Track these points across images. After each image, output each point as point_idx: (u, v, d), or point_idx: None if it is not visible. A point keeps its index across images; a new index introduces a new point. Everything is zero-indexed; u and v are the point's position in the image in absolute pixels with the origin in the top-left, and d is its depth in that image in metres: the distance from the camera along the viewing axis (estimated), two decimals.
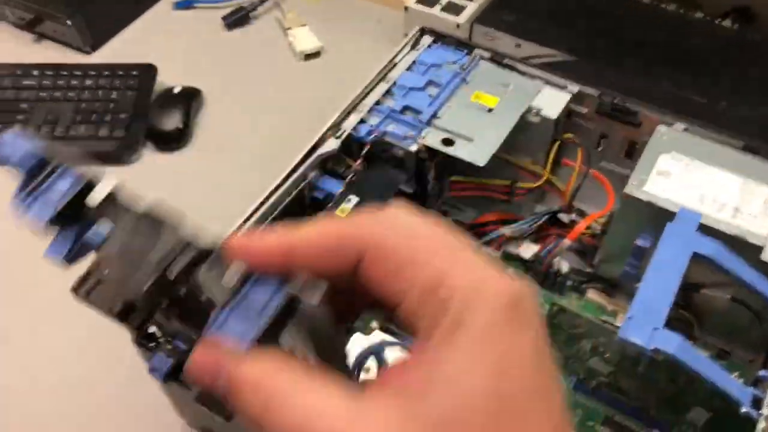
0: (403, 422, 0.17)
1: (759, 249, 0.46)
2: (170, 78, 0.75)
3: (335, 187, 0.52)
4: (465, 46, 0.60)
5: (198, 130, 0.72)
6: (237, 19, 0.83)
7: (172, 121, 0.70)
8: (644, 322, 0.41)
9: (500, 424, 0.17)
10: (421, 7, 0.77)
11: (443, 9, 0.77)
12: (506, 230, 0.56)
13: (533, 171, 0.56)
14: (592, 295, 0.56)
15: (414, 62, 0.58)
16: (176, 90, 0.73)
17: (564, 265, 0.56)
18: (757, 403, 0.40)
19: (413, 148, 0.52)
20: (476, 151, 0.51)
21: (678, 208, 0.47)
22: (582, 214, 0.57)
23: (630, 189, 0.49)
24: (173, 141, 0.70)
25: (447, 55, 0.59)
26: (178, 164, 0.69)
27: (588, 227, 0.56)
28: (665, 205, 0.48)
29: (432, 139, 0.53)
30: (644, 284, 0.42)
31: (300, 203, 0.52)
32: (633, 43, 0.70)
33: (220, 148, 0.71)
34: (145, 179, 0.66)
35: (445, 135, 0.53)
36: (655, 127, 0.53)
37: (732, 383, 0.40)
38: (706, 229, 0.46)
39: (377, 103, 0.56)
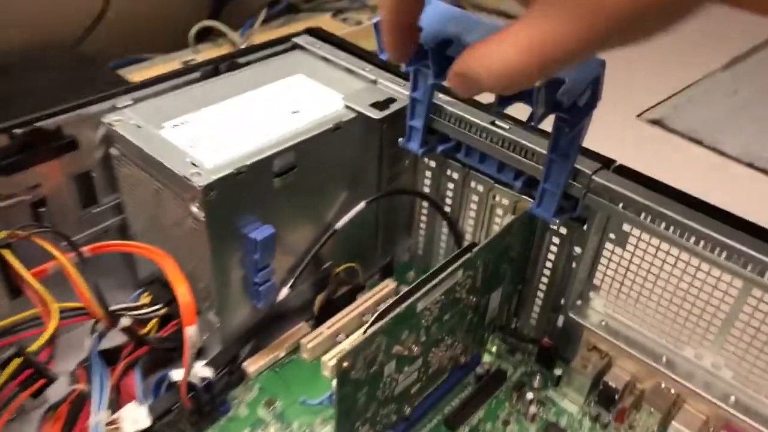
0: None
1: None
2: None
3: None
4: None
5: None
6: None
7: None
8: None
9: None
10: None
11: None
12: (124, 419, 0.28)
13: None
14: (255, 367, 0.35)
15: None
16: None
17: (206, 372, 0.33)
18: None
19: None
20: None
21: (262, 150, 0.32)
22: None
23: (202, 181, 0.30)
24: None
25: None
26: None
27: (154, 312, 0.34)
28: (259, 156, 0.32)
29: None
30: None
31: None
32: None
33: None
34: None
35: None
36: (95, 134, 0.35)
37: None
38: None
39: None
